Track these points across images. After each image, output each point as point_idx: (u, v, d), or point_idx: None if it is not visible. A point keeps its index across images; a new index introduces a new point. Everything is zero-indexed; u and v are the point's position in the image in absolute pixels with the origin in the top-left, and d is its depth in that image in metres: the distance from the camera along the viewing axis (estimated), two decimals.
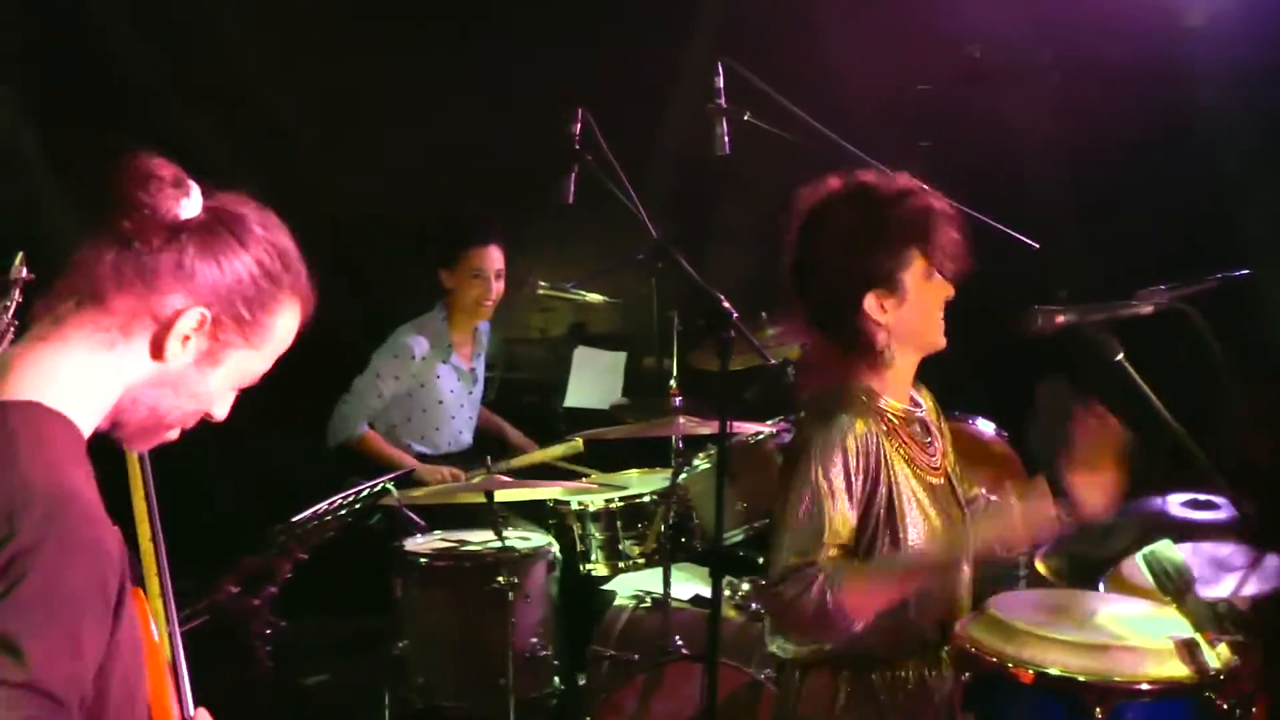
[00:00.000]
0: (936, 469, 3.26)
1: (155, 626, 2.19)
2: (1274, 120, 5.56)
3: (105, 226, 1.97)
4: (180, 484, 2.34)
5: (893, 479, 3.13)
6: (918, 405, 3.32)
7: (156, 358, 2.01)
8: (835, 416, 3.11)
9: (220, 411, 2.15)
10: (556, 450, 5.86)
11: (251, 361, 2.11)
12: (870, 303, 3.15)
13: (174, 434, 2.13)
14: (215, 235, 2.01)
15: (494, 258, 5.90)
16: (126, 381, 2.01)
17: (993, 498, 3.49)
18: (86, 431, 1.97)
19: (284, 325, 2.13)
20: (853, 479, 3.06)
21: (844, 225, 3.18)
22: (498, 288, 5.92)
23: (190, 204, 1.99)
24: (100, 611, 1.81)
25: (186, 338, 2.01)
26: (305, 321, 2.18)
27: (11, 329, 3.91)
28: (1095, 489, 3.16)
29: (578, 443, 5.75)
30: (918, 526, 3.15)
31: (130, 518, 2.42)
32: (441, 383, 5.94)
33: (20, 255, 4.08)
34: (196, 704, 2.27)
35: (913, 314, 3.19)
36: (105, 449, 2.06)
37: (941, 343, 3.27)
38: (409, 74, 6.84)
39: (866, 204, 3.18)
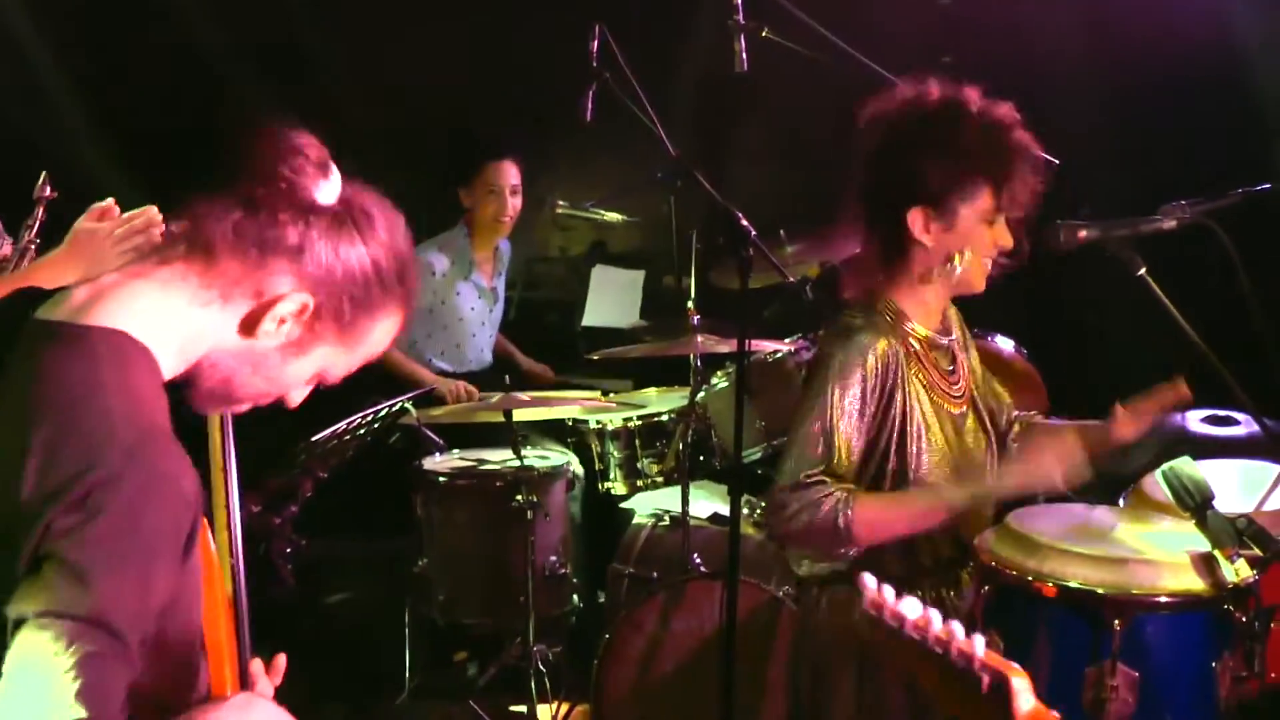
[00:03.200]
0: (959, 398, 3.25)
1: (218, 558, 2.16)
2: None
3: (237, 187, 1.93)
4: None
5: (908, 401, 3.12)
6: (947, 332, 3.30)
7: (246, 333, 1.97)
8: (857, 334, 3.09)
9: (295, 399, 2.10)
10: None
11: (337, 359, 2.06)
12: (914, 218, 3.11)
13: (243, 408, 2.09)
14: (342, 226, 1.96)
15: (509, 172, 5.88)
16: (210, 344, 1.97)
17: (1032, 417, 3.49)
18: (166, 374, 1.94)
19: (380, 332, 2.07)
20: (867, 400, 3.06)
21: (918, 131, 3.10)
22: (514, 203, 5.90)
23: (329, 189, 1.95)
24: (171, 551, 1.79)
25: (283, 320, 1.96)
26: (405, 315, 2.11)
27: (34, 246, 3.91)
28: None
29: (596, 394, 5.76)
30: (929, 451, 3.15)
31: (200, 448, 2.39)
32: (462, 300, 5.94)
33: (44, 175, 4.08)
34: None
35: (956, 248, 3.14)
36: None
37: (978, 288, 3.23)
38: None
39: (952, 118, 3.09)
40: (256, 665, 2.24)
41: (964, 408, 3.26)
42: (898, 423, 3.11)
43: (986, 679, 1.84)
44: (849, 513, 2.96)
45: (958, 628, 1.89)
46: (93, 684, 1.66)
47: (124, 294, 1.91)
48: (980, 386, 3.39)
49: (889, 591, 1.95)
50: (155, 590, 1.76)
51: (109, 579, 1.69)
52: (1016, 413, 3.52)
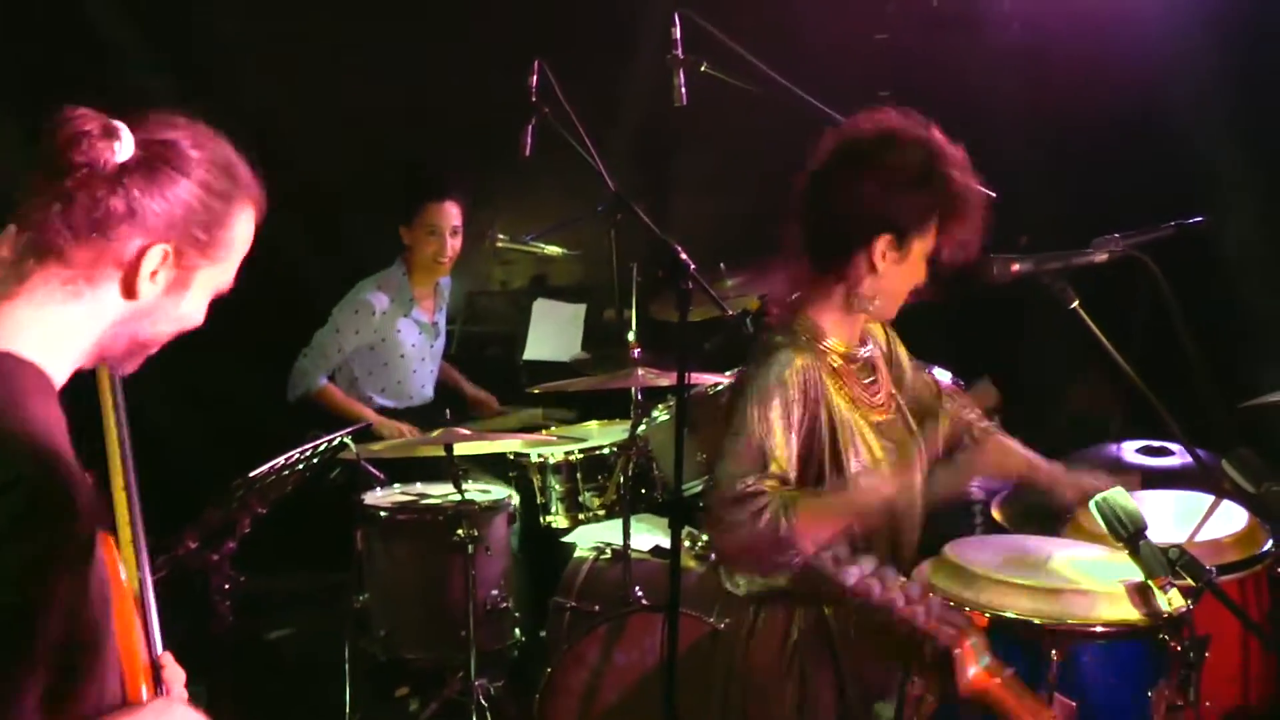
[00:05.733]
0: (881, 405, 3.27)
1: (125, 572, 2.20)
2: (1233, 66, 5.57)
3: (49, 187, 1.99)
4: (139, 439, 2.32)
5: (833, 412, 3.14)
6: (864, 344, 3.33)
7: (129, 297, 2.04)
8: (776, 352, 3.11)
9: (198, 320, 2.18)
10: (516, 419, 5.89)
11: (219, 274, 2.15)
12: (879, 246, 3.12)
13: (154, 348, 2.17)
14: (155, 170, 2.02)
15: (450, 214, 5.87)
16: (102, 324, 2.04)
17: (988, 432, 3.52)
18: (59, 380, 2.00)
19: (241, 233, 2.15)
20: (791, 410, 3.06)
21: (898, 162, 3.11)
22: (454, 244, 5.90)
23: (123, 147, 2.00)
24: (69, 562, 1.84)
25: (155, 273, 2.04)
26: (260, 221, 2.19)
27: None
28: None
29: (538, 413, 5.76)
30: (861, 457, 3.17)
31: (103, 464, 2.42)
32: (403, 336, 5.93)
33: None
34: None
35: (896, 280, 3.18)
36: (79, 397, 2.06)
37: (889, 318, 3.32)
38: (367, 26, 6.81)
39: (928, 156, 3.13)
40: (167, 657, 2.27)
41: (888, 414, 3.28)
42: (828, 438, 3.12)
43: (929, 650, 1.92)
44: (790, 520, 2.95)
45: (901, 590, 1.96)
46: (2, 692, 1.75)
47: (1, 318, 1.97)
48: (906, 389, 3.42)
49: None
50: (58, 600, 1.81)
51: (9, 591, 1.76)
52: (975, 418, 3.55)
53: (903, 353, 3.49)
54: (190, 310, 2.14)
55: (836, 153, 3.18)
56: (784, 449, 3.04)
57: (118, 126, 2.00)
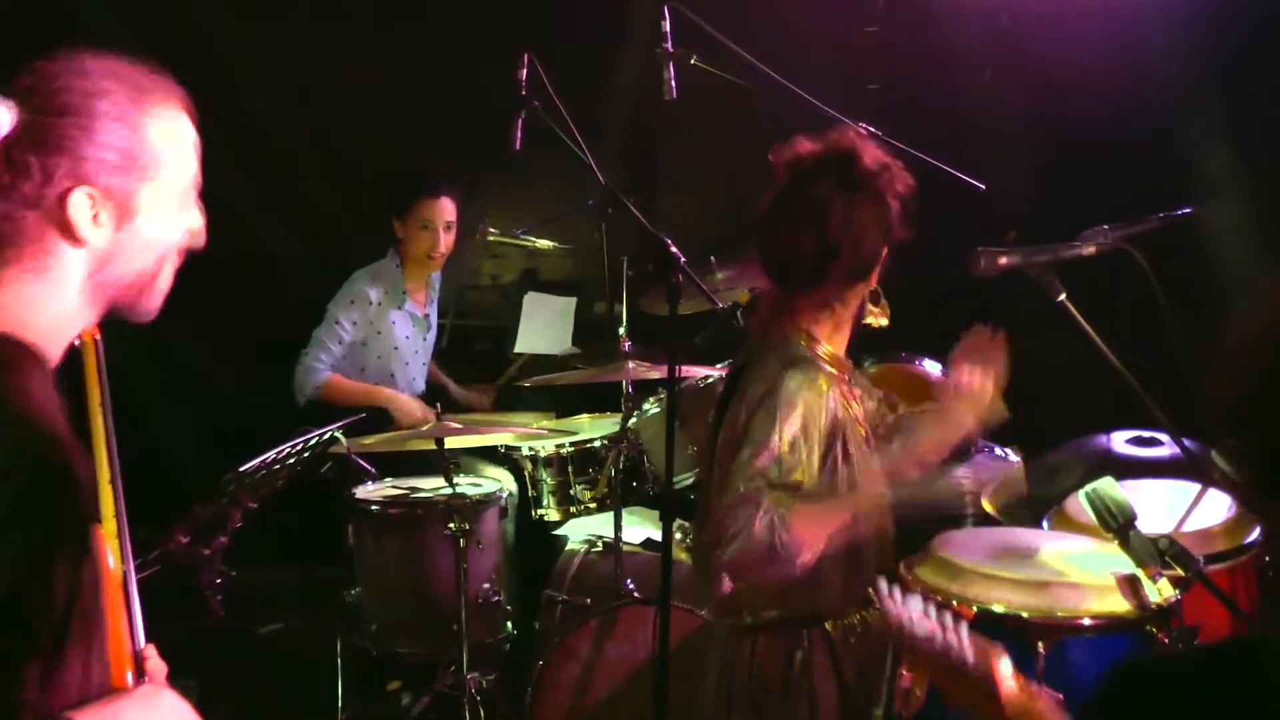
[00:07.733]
0: (861, 419, 3.29)
1: (112, 559, 2.20)
2: (1220, 59, 5.58)
3: None
4: (130, 433, 2.32)
5: (847, 429, 3.14)
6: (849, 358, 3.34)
7: (81, 244, 1.99)
8: (801, 369, 3.11)
9: (195, 225, 2.12)
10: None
11: (167, 185, 2.07)
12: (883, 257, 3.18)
13: (168, 277, 2.12)
14: (43, 128, 1.96)
15: (445, 210, 5.85)
16: (75, 285, 2.01)
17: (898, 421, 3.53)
18: (54, 356, 2.00)
19: (163, 135, 2.07)
20: (812, 431, 3.06)
21: (889, 178, 3.16)
22: (447, 240, 5.88)
23: (1, 123, 1.94)
24: (68, 547, 1.86)
25: (94, 216, 1.99)
26: (189, 106, 2.12)
27: None
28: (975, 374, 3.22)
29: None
30: (867, 469, 3.18)
31: (87, 449, 2.43)
32: (396, 329, 5.92)
33: None
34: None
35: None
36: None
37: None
38: (356, 22, 6.80)
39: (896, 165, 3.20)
40: (150, 650, 2.26)
41: (864, 427, 3.29)
42: (842, 450, 3.12)
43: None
44: (785, 533, 2.93)
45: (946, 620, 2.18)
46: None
47: None
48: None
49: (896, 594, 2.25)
50: (56, 585, 1.83)
51: (8, 576, 1.75)
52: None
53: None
54: (160, 232, 2.08)
55: (833, 182, 3.16)
56: (804, 465, 3.04)
57: None
